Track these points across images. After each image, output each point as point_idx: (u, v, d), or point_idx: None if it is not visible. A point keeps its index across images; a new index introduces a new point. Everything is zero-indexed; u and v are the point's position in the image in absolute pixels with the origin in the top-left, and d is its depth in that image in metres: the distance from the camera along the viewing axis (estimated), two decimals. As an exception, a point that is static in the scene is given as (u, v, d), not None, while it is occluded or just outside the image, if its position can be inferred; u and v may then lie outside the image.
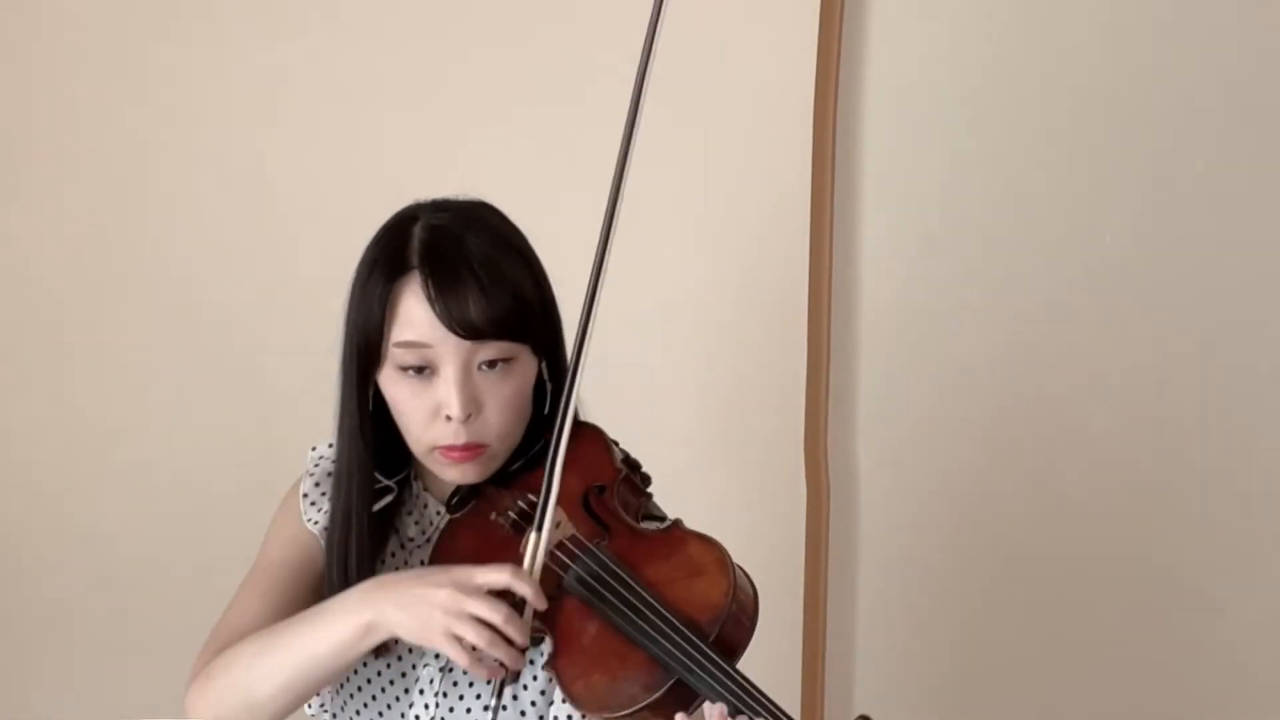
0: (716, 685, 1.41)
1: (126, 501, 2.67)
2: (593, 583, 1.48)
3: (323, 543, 1.66)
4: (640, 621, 1.44)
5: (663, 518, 1.60)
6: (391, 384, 1.57)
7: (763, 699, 1.40)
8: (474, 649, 1.46)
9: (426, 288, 1.52)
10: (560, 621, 1.49)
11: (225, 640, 1.59)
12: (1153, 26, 2.48)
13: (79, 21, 2.65)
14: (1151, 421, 2.53)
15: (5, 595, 2.71)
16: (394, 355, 1.55)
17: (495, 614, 1.45)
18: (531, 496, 1.53)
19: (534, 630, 1.49)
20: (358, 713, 1.67)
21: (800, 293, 2.52)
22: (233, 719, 1.55)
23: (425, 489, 1.69)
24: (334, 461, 1.65)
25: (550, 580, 1.49)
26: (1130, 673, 2.54)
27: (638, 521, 1.55)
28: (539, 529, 1.49)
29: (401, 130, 2.55)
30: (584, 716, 1.55)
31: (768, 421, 2.56)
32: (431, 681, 1.63)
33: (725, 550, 1.48)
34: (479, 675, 1.47)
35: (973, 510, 2.56)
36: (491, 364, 1.54)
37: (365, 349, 1.56)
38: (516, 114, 2.54)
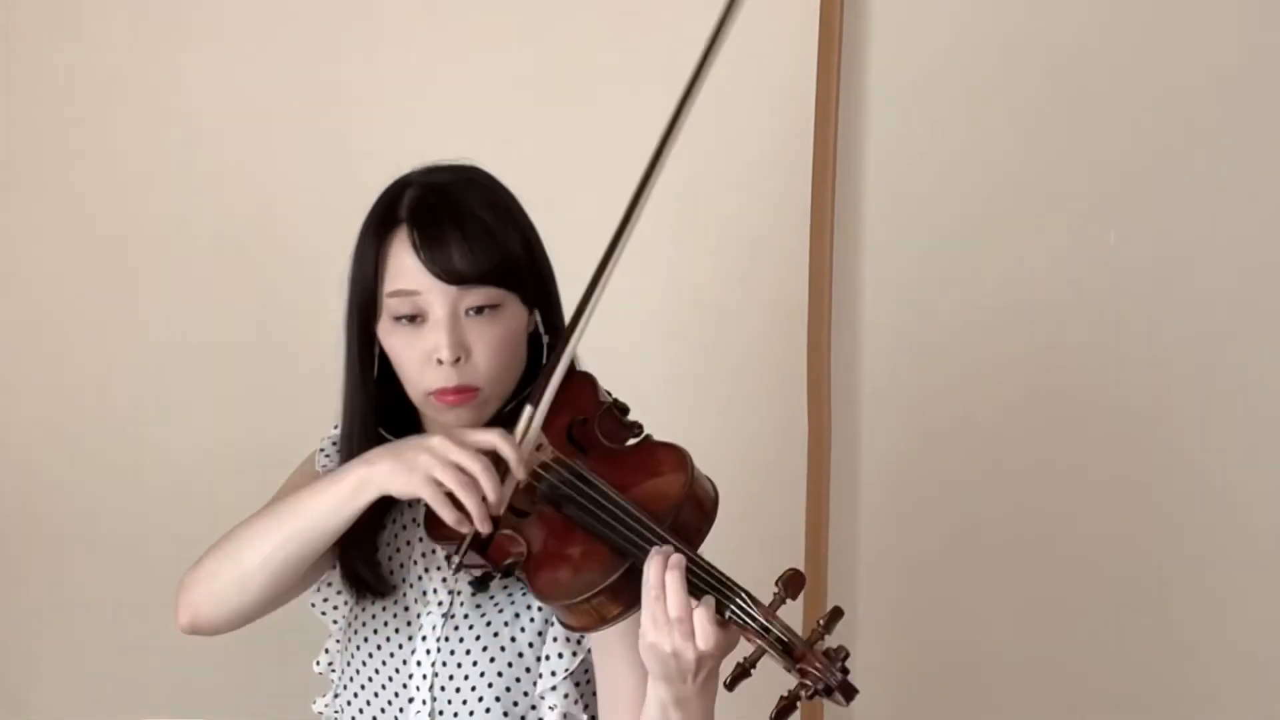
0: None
1: (127, 501, 2.67)
2: (564, 488, 1.56)
3: None
4: (602, 514, 1.52)
5: None
6: (387, 334, 1.64)
7: (714, 571, 1.47)
8: (449, 496, 1.51)
9: (413, 237, 1.60)
10: (533, 529, 1.56)
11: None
12: (1153, 26, 2.49)
13: (80, 21, 2.65)
14: (1152, 420, 2.53)
15: (5, 595, 2.71)
16: (388, 305, 1.62)
17: (475, 463, 1.51)
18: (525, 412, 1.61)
19: (506, 550, 1.55)
20: (364, 663, 1.70)
21: (800, 293, 2.52)
22: (223, 591, 1.60)
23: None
24: (341, 419, 1.71)
25: (528, 494, 1.57)
26: (1130, 672, 2.54)
27: (623, 445, 1.64)
28: (535, 404, 1.57)
29: (402, 130, 2.55)
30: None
31: (768, 421, 2.56)
32: (434, 627, 1.66)
33: (687, 454, 1.57)
34: (449, 520, 1.52)
35: (972, 508, 2.56)
36: (479, 310, 1.61)
37: (362, 303, 1.65)
38: (519, 113, 2.54)
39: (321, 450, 1.77)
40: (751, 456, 2.57)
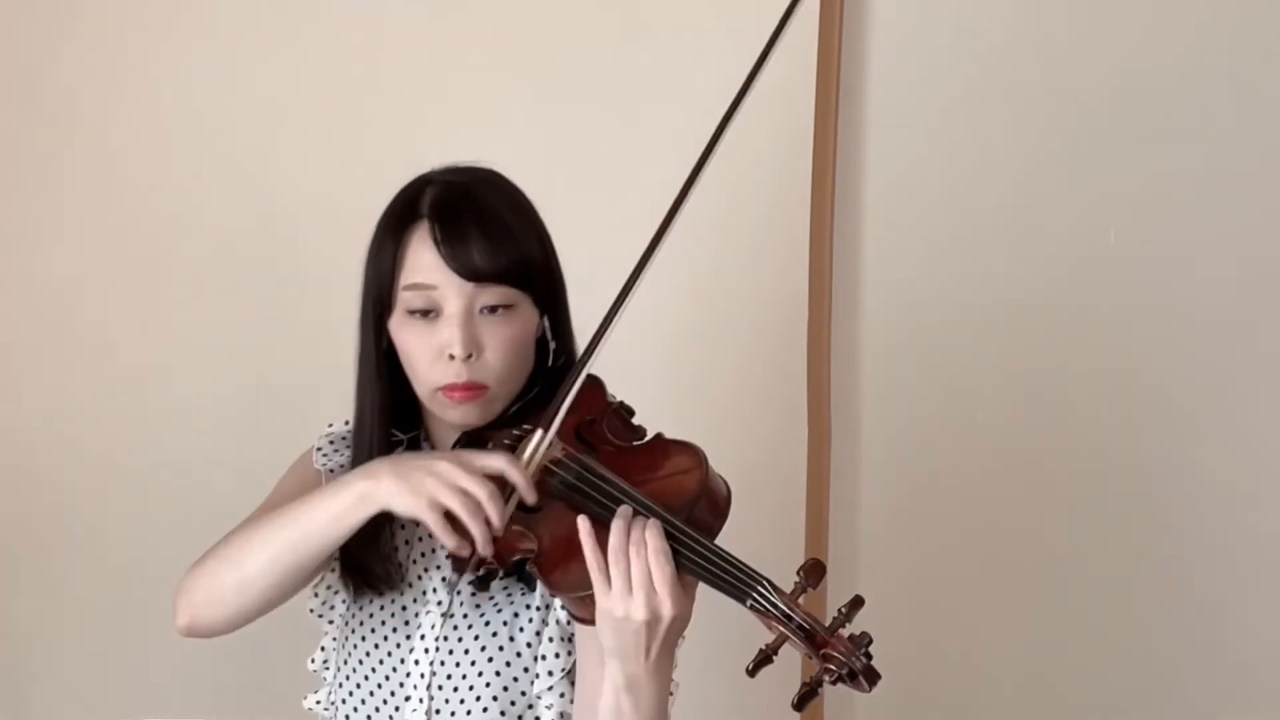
0: (689, 546, 1.48)
1: (126, 501, 2.67)
2: (576, 483, 1.56)
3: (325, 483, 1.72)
4: (613, 505, 1.52)
5: None
6: (400, 328, 1.65)
7: (733, 560, 1.47)
8: (453, 521, 1.52)
9: (433, 232, 1.62)
10: (545, 525, 1.56)
11: None
12: (1153, 26, 2.49)
13: (80, 20, 2.65)
14: (1152, 419, 2.53)
15: (5, 595, 2.71)
16: (403, 299, 1.64)
17: (481, 489, 1.52)
18: (526, 426, 1.61)
19: (521, 545, 1.55)
20: (361, 661, 1.70)
21: (800, 292, 2.52)
22: (222, 594, 1.62)
23: (432, 449, 1.74)
24: (353, 411, 1.73)
25: (539, 491, 1.57)
26: (1130, 671, 2.54)
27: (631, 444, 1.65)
28: (545, 428, 1.58)
29: (403, 130, 2.55)
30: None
31: (768, 421, 2.56)
32: (433, 627, 1.67)
33: (702, 451, 1.57)
34: (450, 545, 1.53)
35: (972, 508, 2.56)
36: (493, 309, 1.63)
37: (378, 296, 1.66)
38: (527, 115, 2.54)
39: (319, 449, 1.78)
40: (751, 456, 2.57)
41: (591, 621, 1.51)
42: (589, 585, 1.49)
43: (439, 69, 2.59)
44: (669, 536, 1.48)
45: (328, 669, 1.77)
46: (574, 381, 1.58)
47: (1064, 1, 2.50)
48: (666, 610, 1.46)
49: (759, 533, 2.49)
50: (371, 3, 2.61)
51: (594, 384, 1.67)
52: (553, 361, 1.70)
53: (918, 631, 2.57)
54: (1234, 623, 2.52)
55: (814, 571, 1.46)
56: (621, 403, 1.68)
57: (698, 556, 1.47)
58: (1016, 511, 2.55)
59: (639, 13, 2.56)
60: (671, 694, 1.58)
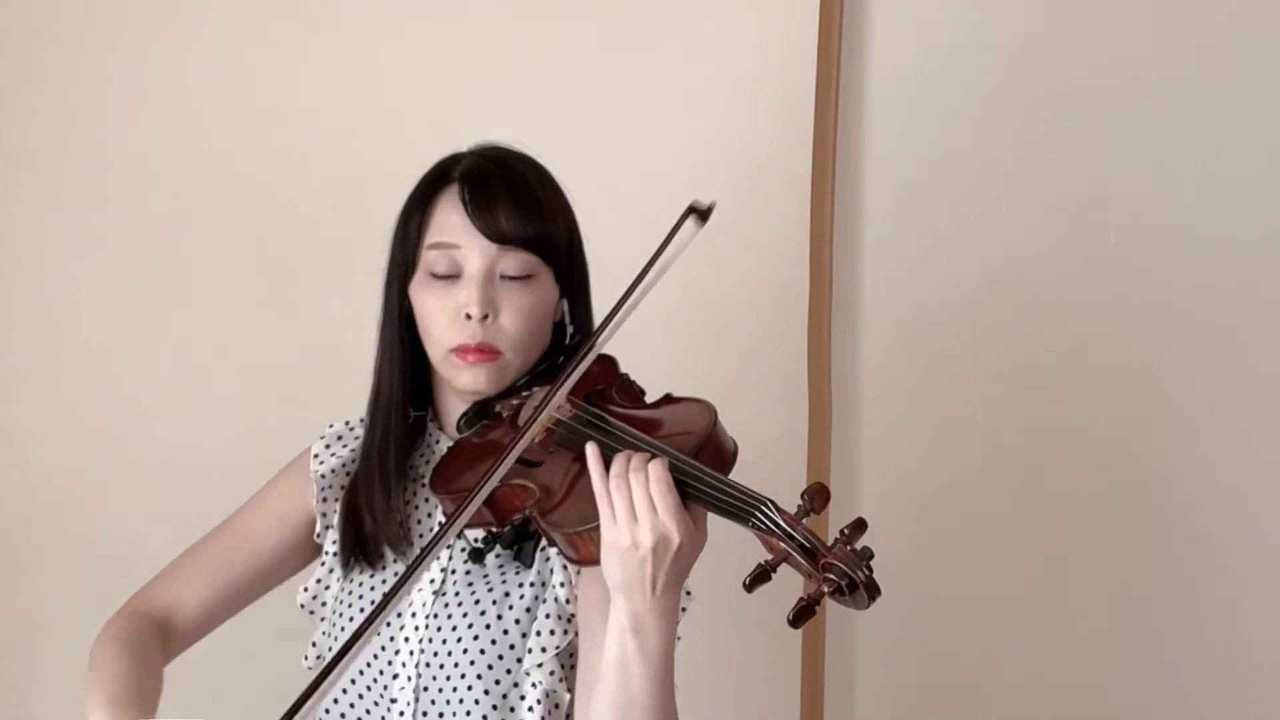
0: (693, 474, 1.48)
1: (127, 501, 2.67)
2: (581, 428, 1.57)
3: (316, 490, 1.76)
4: (620, 446, 1.53)
5: None
6: (421, 290, 1.68)
7: (736, 485, 1.48)
8: None
9: (463, 193, 1.66)
10: (547, 473, 1.57)
11: (152, 590, 1.80)
12: (1153, 26, 2.49)
13: (79, 21, 2.65)
14: (1152, 419, 2.53)
15: (5, 595, 2.71)
16: (426, 260, 1.67)
17: None
18: (536, 389, 1.64)
19: (522, 501, 1.56)
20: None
21: (801, 291, 2.52)
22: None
23: (439, 429, 1.76)
24: (373, 376, 1.75)
25: (543, 446, 1.59)
26: (1129, 672, 2.54)
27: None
28: (554, 386, 1.57)
29: (404, 129, 2.55)
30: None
31: (768, 420, 2.56)
32: (424, 605, 1.67)
33: (712, 405, 1.59)
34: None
35: (972, 508, 2.56)
36: (514, 278, 1.66)
37: (403, 259, 1.70)
38: (528, 109, 2.54)
39: (315, 454, 1.78)
40: (751, 456, 2.56)
41: (596, 561, 1.50)
42: (593, 518, 1.48)
43: (439, 68, 2.58)
44: (672, 469, 1.48)
45: (321, 661, 1.77)
46: (588, 348, 1.57)
47: (1064, 1, 2.50)
48: (674, 534, 1.45)
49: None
50: (371, 2, 2.60)
51: (606, 359, 1.70)
52: (567, 350, 1.72)
53: (917, 632, 2.57)
54: (1234, 623, 2.52)
55: (819, 495, 1.46)
56: (630, 378, 1.70)
57: (700, 484, 1.48)
58: (1016, 510, 2.55)
59: (639, 13, 2.56)
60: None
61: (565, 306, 1.72)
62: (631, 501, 1.46)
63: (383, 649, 1.68)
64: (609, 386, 1.67)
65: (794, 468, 2.54)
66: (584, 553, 1.52)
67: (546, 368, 1.70)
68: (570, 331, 1.73)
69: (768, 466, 2.54)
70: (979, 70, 2.50)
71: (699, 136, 2.54)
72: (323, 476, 1.76)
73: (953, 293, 2.53)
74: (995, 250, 2.52)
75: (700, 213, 1.60)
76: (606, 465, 1.50)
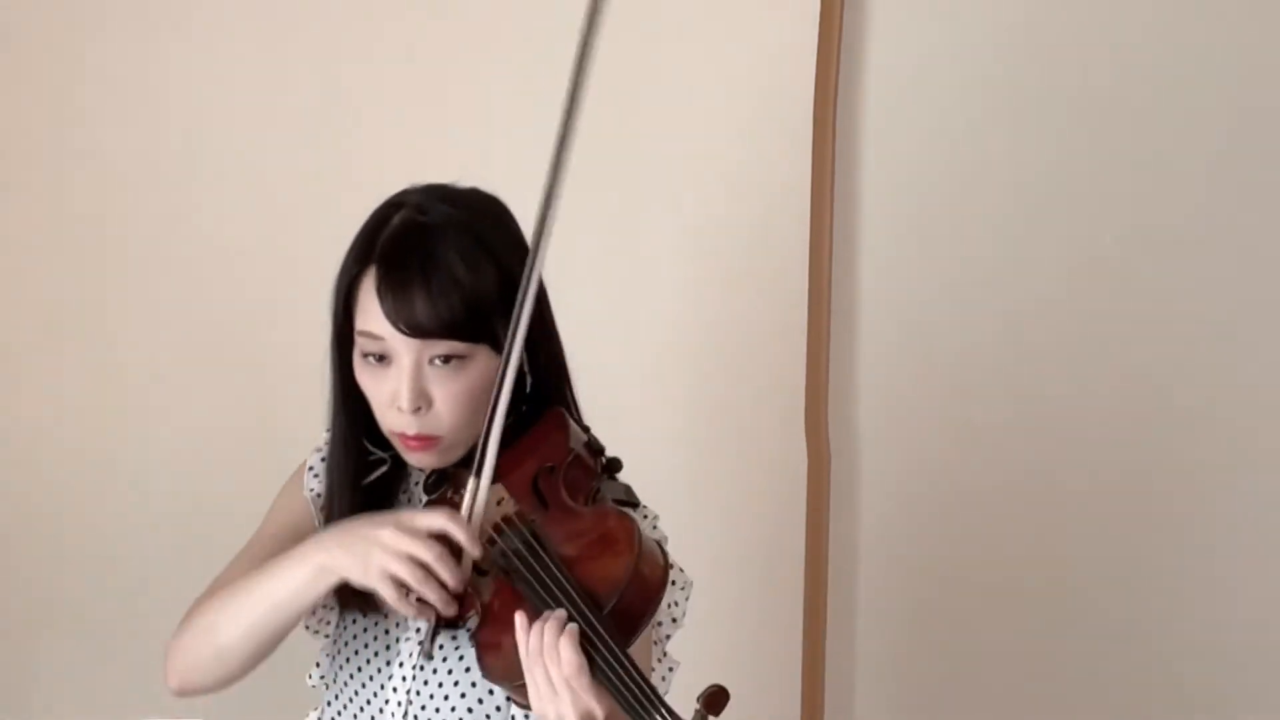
0: (604, 657, 1.46)
1: (127, 501, 2.67)
2: (513, 558, 1.53)
3: (315, 510, 1.72)
4: (544, 594, 1.50)
5: (626, 500, 1.63)
6: (359, 368, 1.62)
7: (640, 680, 1.44)
8: (408, 591, 1.52)
9: (379, 285, 1.57)
10: (487, 596, 1.55)
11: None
12: (1153, 26, 2.48)
13: (78, 21, 2.65)
14: (1152, 423, 2.53)
15: (5, 595, 2.71)
16: (358, 342, 1.60)
17: (428, 552, 1.50)
18: (471, 480, 1.58)
19: (469, 605, 1.55)
20: (347, 681, 1.70)
21: (800, 291, 2.52)
22: (204, 663, 1.64)
23: (407, 475, 1.73)
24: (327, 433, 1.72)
25: (485, 554, 1.55)
26: (1128, 672, 2.54)
27: (585, 503, 1.60)
28: (477, 474, 1.55)
29: (402, 129, 2.55)
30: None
31: (768, 421, 2.56)
32: (411, 655, 1.65)
33: (636, 527, 1.52)
34: (409, 615, 1.53)
35: (971, 509, 2.56)
36: (446, 359, 1.58)
37: (339, 331, 1.63)
38: (524, 108, 2.54)
39: (311, 469, 1.75)
40: (750, 459, 2.57)
41: (528, 708, 1.49)
42: (517, 675, 1.47)
43: (439, 68, 2.59)
44: (587, 642, 1.45)
45: (324, 681, 1.76)
46: (493, 418, 1.53)
47: (1063, 2, 2.50)
48: (596, 710, 1.44)
49: (759, 533, 2.51)
50: (367, 7, 2.61)
51: (557, 421, 1.63)
52: (533, 386, 1.65)
53: (917, 632, 2.58)
54: (1234, 623, 2.52)
55: (714, 700, 1.42)
56: (588, 441, 1.63)
57: (607, 669, 1.45)
58: (1016, 512, 2.55)
59: (638, 13, 2.56)
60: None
61: (524, 357, 1.61)
62: (549, 677, 1.45)
63: (375, 695, 1.67)
64: (559, 466, 1.59)
65: (794, 467, 2.54)
66: (520, 700, 1.51)
67: (512, 424, 1.60)
68: (529, 382, 1.64)
69: (767, 466, 2.57)
70: (977, 70, 2.50)
71: (699, 136, 2.54)
72: (319, 496, 1.74)
73: (951, 292, 2.53)
74: (994, 250, 2.52)
75: None
76: (536, 612, 1.48)
